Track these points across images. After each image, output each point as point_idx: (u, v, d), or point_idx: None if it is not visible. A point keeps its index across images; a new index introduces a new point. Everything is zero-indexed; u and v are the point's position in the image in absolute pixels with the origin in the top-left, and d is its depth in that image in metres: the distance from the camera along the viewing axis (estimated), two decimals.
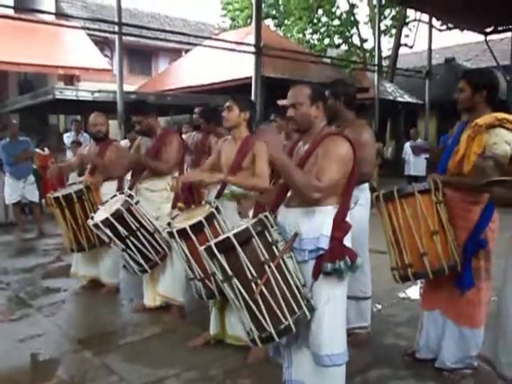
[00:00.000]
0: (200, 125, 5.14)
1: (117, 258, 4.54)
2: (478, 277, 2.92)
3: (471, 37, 25.20)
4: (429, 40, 15.14)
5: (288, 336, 2.39)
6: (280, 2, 22.08)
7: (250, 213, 3.31)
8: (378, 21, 14.91)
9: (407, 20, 19.43)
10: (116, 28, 9.70)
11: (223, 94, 10.07)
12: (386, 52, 20.31)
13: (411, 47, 20.00)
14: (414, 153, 7.08)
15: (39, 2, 14.22)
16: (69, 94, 10.25)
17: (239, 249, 2.23)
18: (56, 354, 3.49)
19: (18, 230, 7.49)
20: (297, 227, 2.43)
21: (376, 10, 15.46)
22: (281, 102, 3.86)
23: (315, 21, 20.89)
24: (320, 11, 20.73)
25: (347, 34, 20.61)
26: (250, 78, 10.19)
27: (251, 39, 10.31)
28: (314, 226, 2.40)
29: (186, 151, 4.50)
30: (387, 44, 24.97)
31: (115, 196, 4.08)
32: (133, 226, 3.79)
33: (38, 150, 9.20)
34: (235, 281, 2.24)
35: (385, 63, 18.88)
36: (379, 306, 4.29)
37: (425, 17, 16.28)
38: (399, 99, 17.28)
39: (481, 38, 13.95)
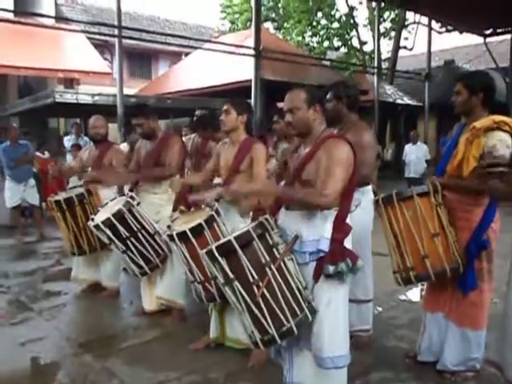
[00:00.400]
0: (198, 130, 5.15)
1: (117, 262, 4.54)
2: (480, 278, 2.91)
3: (470, 39, 25.23)
4: (428, 42, 15.16)
5: (290, 338, 2.39)
6: (279, 5, 22.15)
7: (250, 214, 3.32)
8: (377, 23, 14.94)
9: (406, 22, 19.49)
10: (116, 31, 9.71)
11: (223, 96, 10.07)
12: (385, 54, 20.39)
13: (411, 50, 20.04)
14: None
15: (39, 6, 14.25)
16: (69, 97, 10.26)
17: (240, 252, 2.23)
18: (57, 357, 3.48)
19: (19, 234, 7.49)
20: (297, 229, 2.43)
21: (375, 13, 15.49)
22: (281, 105, 3.86)
23: (314, 23, 20.94)
24: (319, 14, 20.79)
25: (347, 36, 20.65)
26: (250, 80, 10.19)
27: (251, 42, 10.32)
28: (314, 228, 2.41)
29: (186, 154, 4.50)
30: (387, 46, 24.95)
31: (115, 198, 4.08)
32: (134, 227, 3.79)
33: (38, 154, 9.20)
34: (236, 284, 2.25)
35: (384, 66, 18.93)
36: (380, 309, 4.29)
37: (424, 19, 16.29)
38: (399, 101, 17.31)
39: (480, 40, 13.98)
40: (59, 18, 15.33)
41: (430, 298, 3.19)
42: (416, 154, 10.44)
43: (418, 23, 18.68)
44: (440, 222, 2.85)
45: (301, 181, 2.49)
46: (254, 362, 3.24)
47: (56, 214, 4.56)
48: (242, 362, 3.27)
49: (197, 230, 2.96)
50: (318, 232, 2.39)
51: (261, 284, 2.23)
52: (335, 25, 20.95)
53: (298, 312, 2.29)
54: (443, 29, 15.87)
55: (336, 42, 21.32)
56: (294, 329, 2.27)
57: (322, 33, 21.13)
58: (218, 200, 3.40)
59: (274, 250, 2.33)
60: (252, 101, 9.81)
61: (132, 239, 3.79)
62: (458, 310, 2.98)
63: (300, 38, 21.44)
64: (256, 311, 2.24)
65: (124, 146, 6.81)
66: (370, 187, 3.43)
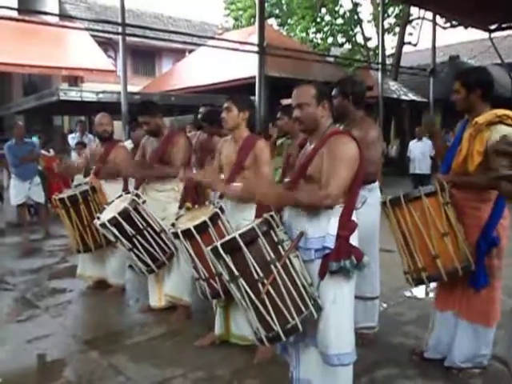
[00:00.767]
0: (203, 126, 5.15)
1: (123, 259, 4.55)
2: (492, 275, 2.90)
3: (475, 34, 25.18)
4: (433, 38, 15.09)
5: (295, 335, 2.39)
6: (283, 2, 22.07)
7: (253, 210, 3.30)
8: (381, 19, 14.87)
9: (411, 18, 19.35)
10: (120, 29, 9.72)
11: (227, 93, 10.06)
12: (389, 50, 20.26)
13: (415, 45, 19.92)
14: None
15: (43, 4, 14.28)
16: (73, 95, 10.29)
17: (245, 249, 2.23)
18: (63, 354, 3.50)
19: (24, 231, 7.51)
20: (302, 226, 2.43)
21: (379, 9, 15.41)
22: (284, 102, 3.84)
23: (318, 20, 20.83)
24: (323, 10, 20.68)
25: (351, 32, 20.55)
26: (254, 77, 10.17)
27: (254, 39, 10.29)
28: (319, 225, 2.40)
29: (191, 151, 4.50)
30: (391, 42, 24.93)
31: (121, 196, 4.09)
32: (140, 225, 3.80)
33: (43, 152, 9.22)
34: (241, 281, 2.25)
35: (389, 61, 18.84)
36: (386, 305, 4.28)
37: (428, 14, 16.20)
38: (403, 97, 17.23)
39: (485, 35, 13.86)
40: (63, 15, 15.35)
41: (441, 297, 3.17)
42: (421, 151, 10.38)
43: (423, 18, 18.56)
44: (448, 221, 2.83)
45: (305, 177, 2.48)
46: (259, 358, 3.25)
47: (60, 211, 4.58)
48: (248, 359, 3.28)
49: (201, 227, 2.96)
50: (323, 229, 2.39)
51: (266, 281, 2.22)
52: (339, 21, 20.84)
53: (303, 309, 2.29)
54: (448, 24, 15.75)
55: (340, 38, 21.22)
56: (299, 326, 2.26)
57: (325, 29, 21.03)
58: (221, 197, 3.41)
59: (279, 247, 2.33)
60: (256, 97, 9.79)
61: (138, 237, 3.79)
62: (470, 307, 2.96)
63: (304, 35, 21.37)
64: (261, 308, 2.24)
65: (128, 143, 6.82)
66: (376, 184, 3.41)
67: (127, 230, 3.75)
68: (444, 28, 16.16)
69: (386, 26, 19.30)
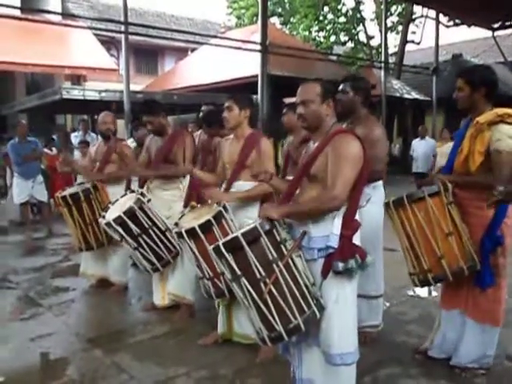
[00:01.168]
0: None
1: (125, 257, 4.56)
2: (497, 274, 2.89)
3: (478, 32, 25.08)
4: (436, 36, 15.04)
5: (298, 335, 2.39)
6: (286, 0, 22.02)
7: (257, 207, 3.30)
8: (384, 17, 14.86)
9: (414, 16, 19.31)
10: (122, 27, 9.72)
11: (229, 92, 10.06)
12: (392, 49, 20.26)
13: (418, 44, 19.89)
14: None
15: (46, 3, 14.29)
16: (76, 93, 10.29)
17: (247, 248, 2.22)
18: (66, 352, 3.51)
19: (27, 230, 7.53)
20: (306, 226, 2.42)
21: (382, 7, 15.38)
22: (287, 100, 3.84)
23: (321, 18, 20.80)
24: (326, 8, 20.65)
25: (353, 31, 20.51)
26: (256, 76, 10.17)
27: (257, 37, 10.28)
28: (323, 224, 2.39)
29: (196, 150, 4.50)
30: (394, 41, 24.83)
31: (125, 194, 4.09)
32: (145, 224, 3.80)
33: (45, 150, 9.24)
34: (244, 280, 2.24)
35: (391, 60, 18.81)
36: (388, 304, 4.27)
37: (432, 13, 16.19)
38: (406, 96, 17.19)
39: (488, 33, 13.81)
40: (66, 14, 15.38)
41: (446, 296, 3.16)
42: (424, 149, 10.37)
43: (426, 17, 18.55)
44: (453, 221, 2.83)
45: (309, 176, 2.48)
46: (262, 357, 3.25)
47: (63, 209, 4.59)
48: (251, 358, 3.28)
49: (206, 226, 2.96)
50: (326, 228, 2.38)
51: (268, 281, 2.22)
52: (342, 19, 20.81)
53: (306, 309, 2.28)
54: (451, 22, 15.69)
55: (343, 37, 21.18)
56: (302, 326, 2.26)
57: (328, 27, 21.00)
58: None
59: (282, 246, 2.32)
60: (258, 96, 9.79)
61: (144, 236, 3.80)
62: (477, 306, 2.95)
63: (306, 33, 21.32)
64: (263, 308, 2.24)
65: (130, 142, 6.82)
66: (381, 182, 3.41)
67: (133, 229, 3.75)
68: (447, 26, 16.11)
69: (389, 24, 19.29)
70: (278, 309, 2.23)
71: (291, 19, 21.88)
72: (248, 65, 11.84)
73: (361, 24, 20.19)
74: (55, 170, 8.83)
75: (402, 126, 18.38)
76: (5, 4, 8.04)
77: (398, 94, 16.76)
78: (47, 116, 14.02)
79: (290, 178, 3.49)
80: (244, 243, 2.22)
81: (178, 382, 3.06)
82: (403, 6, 19.20)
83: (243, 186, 3.30)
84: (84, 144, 8.69)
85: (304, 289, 2.31)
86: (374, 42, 20.15)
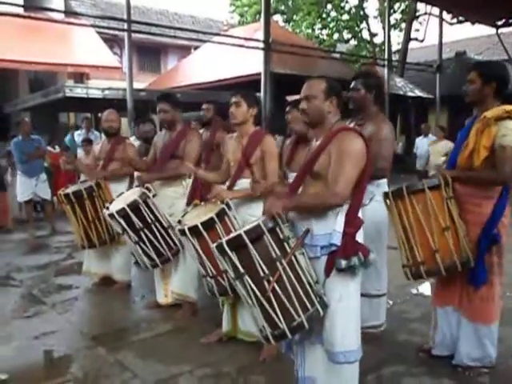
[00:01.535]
0: (210, 121, 5.14)
1: (128, 255, 4.56)
2: (491, 272, 2.89)
3: (482, 30, 24.97)
4: (439, 34, 15.00)
5: (301, 333, 2.39)
6: None
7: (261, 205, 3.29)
8: (387, 15, 14.80)
9: (417, 14, 19.25)
10: (125, 25, 9.72)
11: (232, 90, 10.04)
12: (395, 46, 20.18)
13: (421, 41, 19.82)
14: None
15: (49, 1, 14.30)
16: (79, 91, 10.29)
17: (251, 246, 2.22)
18: (70, 350, 3.51)
19: (30, 228, 7.55)
20: (308, 223, 2.42)
21: (385, 4, 15.34)
22: (290, 98, 3.83)
23: (324, 16, 20.79)
24: (329, 6, 20.63)
25: (356, 28, 20.48)
26: (259, 74, 10.14)
27: (260, 35, 10.26)
28: (326, 222, 2.39)
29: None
30: (397, 38, 24.76)
31: (131, 189, 4.10)
32: (148, 219, 3.80)
33: (49, 148, 9.26)
34: (247, 278, 2.24)
35: (395, 58, 18.74)
36: (392, 303, 4.27)
37: (435, 10, 16.12)
38: (409, 94, 17.13)
39: (492, 31, 13.76)
40: (69, 12, 15.37)
41: (439, 293, 3.17)
42: (427, 147, 10.35)
43: (429, 14, 18.47)
44: (450, 216, 2.82)
45: (312, 173, 2.47)
46: (265, 355, 3.25)
47: (66, 207, 4.59)
48: (254, 356, 3.28)
49: (208, 224, 2.95)
50: (330, 226, 2.37)
51: (271, 279, 2.22)
52: (345, 17, 20.79)
53: (309, 307, 2.28)
54: (454, 20, 15.65)
55: (346, 35, 21.18)
56: (305, 323, 2.26)
57: (331, 25, 20.98)
58: None
59: (285, 244, 2.32)
60: (261, 94, 9.77)
61: (145, 230, 3.80)
62: (470, 304, 2.95)
63: (309, 31, 21.32)
64: (266, 306, 2.24)
65: (133, 140, 6.82)
66: (385, 180, 3.40)
67: (135, 223, 3.76)
68: (451, 24, 16.07)
69: (392, 21, 19.25)
70: (281, 307, 2.23)
71: (294, 17, 21.86)
72: (251, 63, 11.82)
73: (364, 21, 20.17)
74: (58, 168, 8.83)
75: (405, 123, 18.32)
76: (8, 2, 8.05)
77: (401, 92, 16.70)
78: (50, 114, 14.02)
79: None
80: (247, 241, 2.22)
81: (182, 379, 3.07)
82: (406, 3, 19.16)
83: (247, 183, 3.29)
84: (87, 142, 8.70)
85: (307, 286, 2.30)
86: (378, 40, 20.16)
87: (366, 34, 20.50)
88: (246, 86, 10.00)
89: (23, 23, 11.27)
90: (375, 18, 20.74)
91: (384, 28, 15.50)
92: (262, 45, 9.99)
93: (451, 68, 16.83)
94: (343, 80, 3.54)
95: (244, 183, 3.31)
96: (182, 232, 3.01)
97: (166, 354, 3.40)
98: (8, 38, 11.51)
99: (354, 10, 20.36)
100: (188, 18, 23.20)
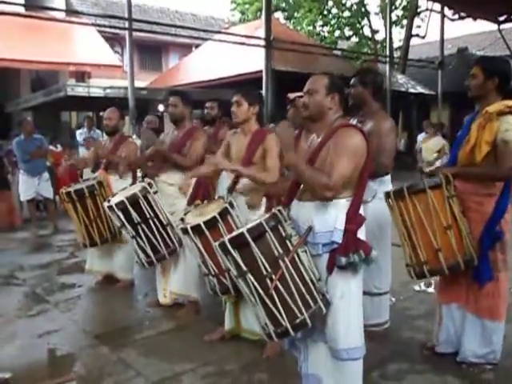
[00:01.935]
0: (214, 119, 5.14)
1: (130, 253, 4.55)
2: (495, 268, 2.89)
3: (484, 26, 24.89)
4: (441, 30, 14.96)
5: (304, 330, 2.38)
6: None
7: (262, 207, 3.30)
8: (389, 11, 14.78)
9: (419, 10, 19.19)
10: (126, 24, 9.73)
11: (234, 88, 10.04)
12: (397, 43, 20.13)
13: (423, 37, 19.77)
14: None
15: (50, 0, 14.29)
16: (80, 90, 10.33)
17: (253, 244, 2.22)
18: (73, 349, 3.52)
19: (33, 227, 7.56)
20: (310, 221, 2.41)
21: (387, 1, 15.30)
22: (292, 95, 3.82)
23: (325, 13, 20.73)
24: (330, 3, 20.57)
25: (358, 25, 20.41)
26: (261, 71, 10.15)
27: (261, 33, 10.27)
28: (327, 219, 2.38)
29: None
30: (399, 35, 24.72)
31: (135, 183, 4.11)
32: (146, 214, 3.79)
33: (51, 147, 9.27)
34: (249, 276, 2.24)
35: (396, 54, 18.71)
36: (395, 300, 4.26)
37: (437, 6, 16.07)
38: (411, 90, 17.11)
39: (494, 26, 13.71)
40: (70, 11, 15.38)
41: (443, 290, 3.16)
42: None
43: (431, 10, 18.42)
44: (452, 214, 2.81)
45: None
46: (268, 353, 3.25)
47: (68, 205, 4.60)
48: (257, 354, 3.28)
49: (211, 223, 2.94)
50: (331, 223, 2.37)
51: (274, 276, 2.21)
52: (346, 13, 20.71)
53: (312, 304, 2.28)
54: (456, 16, 15.58)
55: (347, 32, 21.10)
56: (308, 321, 2.25)
57: (332, 22, 20.92)
58: (230, 192, 3.39)
59: (287, 241, 2.31)
60: (263, 91, 9.76)
61: (143, 225, 3.79)
62: (477, 301, 2.95)
63: (311, 28, 21.26)
64: (269, 303, 2.23)
65: (134, 138, 6.83)
66: (388, 177, 3.40)
67: (133, 217, 3.75)
68: (452, 20, 15.96)
69: (394, 18, 19.16)
70: (284, 304, 2.23)
71: (295, 14, 21.81)
72: (252, 60, 11.82)
73: (365, 18, 20.09)
74: (60, 167, 8.84)
75: (407, 120, 18.29)
76: (9, 1, 8.05)
77: (403, 89, 16.69)
78: (52, 113, 14.04)
79: None
80: (250, 239, 2.21)
81: (185, 377, 3.07)
82: None
83: (249, 181, 3.28)
84: (90, 139, 8.71)
85: (310, 284, 2.30)
86: (379, 37, 20.11)
87: (367, 31, 20.46)
88: (247, 84, 9.99)
89: (24, 22, 11.28)
90: (376, 14, 20.68)
91: (385, 25, 15.45)
92: (263, 42, 9.99)
93: (453, 64, 16.77)
94: (345, 77, 3.54)
95: (246, 181, 3.31)
96: (185, 231, 3.01)
97: (169, 352, 3.40)
98: (9, 38, 11.52)
99: (355, 6, 20.29)
100: (189, 15, 23.18)
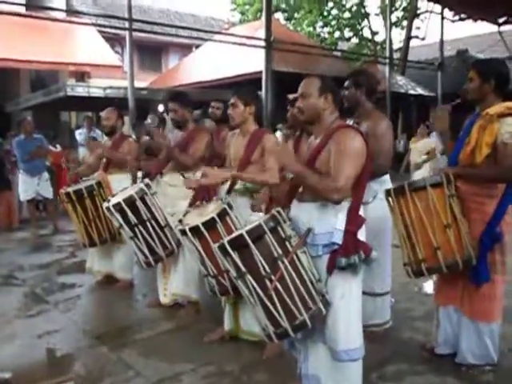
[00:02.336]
0: (220, 119, 5.14)
1: (130, 254, 4.56)
2: (493, 270, 2.89)
3: (484, 28, 24.89)
4: (441, 31, 14.96)
5: (304, 331, 2.39)
6: None
7: (263, 207, 3.31)
8: (388, 13, 14.80)
9: (418, 11, 19.22)
10: (126, 24, 9.73)
11: (234, 88, 10.03)
12: (397, 44, 20.15)
13: (423, 39, 19.78)
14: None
15: (50, 0, 14.28)
16: (80, 90, 10.31)
17: (252, 245, 2.22)
18: (73, 349, 3.52)
19: (33, 227, 7.56)
20: (310, 222, 2.41)
21: (387, 2, 15.32)
22: (291, 96, 3.82)
23: (325, 14, 20.75)
24: (330, 4, 20.59)
25: (358, 26, 20.44)
26: (261, 72, 10.15)
27: (261, 33, 10.28)
28: (327, 220, 2.39)
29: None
30: (398, 36, 24.75)
31: (135, 184, 4.11)
32: (143, 215, 3.79)
33: (50, 147, 9.26)
34: (249, 277, 2.24)
35: (396, 56, 18.71)
36: (395, 300, 4.25)
37: (437, 8, 16.09)
38: (411, 92, 17.12)
39: (494, 28, 13.73)
40: (70, 11, 15.36)
41: (441, 292, 3.17)
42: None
43: (431, 12, 18.41)
44: (452, 214, 2.81)
45: (313, 170, 2.47)
46: (268, 354, 3.25)
47: (67, 205, 4.60)
48: (257, 354, 3.28)
49: (210, 224, 2.94)
50: (330, 224, 2.38)
51: (273, 277, 2.22)
52: (346, 15, 20.74)
53: (311, 305, 2.28)
54: (456, 17, 15.59)
55: (347, 33, 21.12)
56: (308, 322, 2.26)
57: (333, 23, 20.94)
58: (229, 192, 3.39)
59: (287, 243, 2.32)
60: (263, 92, 9.77)
61: (140, 227, 3.79)
62: (471, 303, 2.95)
63: (311, 29, 21.27)
64: (269, 304, 2.24)
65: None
66: (387, 177, 3.40)
67: (130, 218, 3.75)
68: (452, 21, 15.96)
69: (394, 19, 19.19)
70: (283, 305, 2.24)
71: (295, 15, 21.82)
72: (252, 61, 11.82)
73: (365, 19, 20.12)
74: (60, 167, 8.84)
75: (406, 122, 18.30)
76: (10, 1, 8.05)
77: (402, 90, 16.70)
78: (52, 113, 14.03)
79: None
80: (249, 241, 2.22)
81: (185, 378, 3.07)
82: (408, 0, 19.11)
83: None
84: (91, 139, 8.70)
85: (309, 285, 2.31)
86: (379, 38, 20.13)
87: (367, 32, 20.49)
88: (247, 85, 9.99)
89: (25, 22, 11.27)
90: (376, 15, 20.69)
91: (385, 26, 15.48)
92: (263, 43, 9.99)
93: (453, 66, 16.77)
94: (344, 78, 3.56)
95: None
96: (183, 232, 3.00)
97: (168, 353, 3.40)
98: (9, 37, 11.51)
99: (355, 7, 20.32)
100: (189, 16, 23.19)
